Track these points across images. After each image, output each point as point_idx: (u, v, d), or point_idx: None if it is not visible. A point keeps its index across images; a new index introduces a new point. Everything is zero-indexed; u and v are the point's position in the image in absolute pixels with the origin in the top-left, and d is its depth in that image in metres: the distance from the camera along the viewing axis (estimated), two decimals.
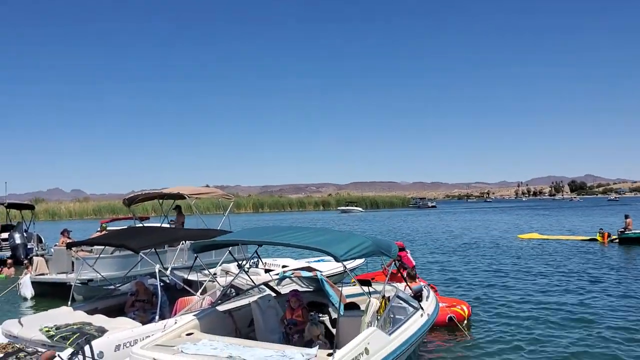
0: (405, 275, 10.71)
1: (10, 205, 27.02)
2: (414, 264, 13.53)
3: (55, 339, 7.39)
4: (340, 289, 8.53)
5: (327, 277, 9.05)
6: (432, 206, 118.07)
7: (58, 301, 12.45)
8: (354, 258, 7.23)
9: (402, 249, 12.68)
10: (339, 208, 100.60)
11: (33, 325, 7.96)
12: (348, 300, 8.29)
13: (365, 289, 7.95)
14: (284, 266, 15.07)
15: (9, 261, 20.42)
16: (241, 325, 8.12)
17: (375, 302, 7.26)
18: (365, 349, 6.22)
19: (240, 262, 9.95)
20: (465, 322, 10.74)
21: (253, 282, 9.22)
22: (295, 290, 8.32)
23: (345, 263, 7.29)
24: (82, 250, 14.47)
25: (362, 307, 7.56)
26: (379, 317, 7.08)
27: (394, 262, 8.95)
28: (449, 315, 10.46)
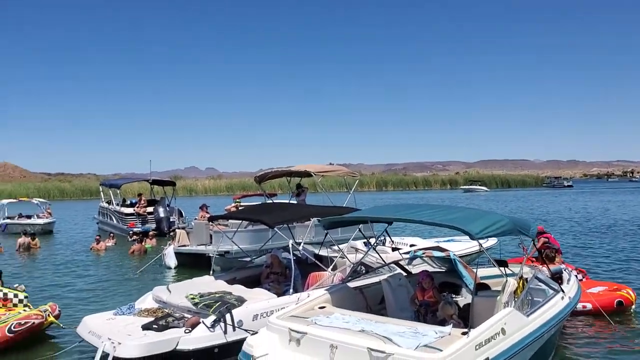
0: (544, 257, 10.15)
1: (154, 182, 29.34)
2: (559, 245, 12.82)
3: (200, 306, 7.88)
4: (474, 270, 8.26)
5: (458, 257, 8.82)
6: (569, 185, 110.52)
7: (198, 271, 13.32)
8: (490, 236, 6.97)
9: (541, 232, 12.03)
10: (461, 187, 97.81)
11: (180, 292, 8.56)
12: (481, 281, 8.02)
13: (502, 269, 7.62)
14: (411, 245, 14.93)
15: (151, 233, 22.20)
16: (372, 302, 8.16)
17: (512, 282, 6.94)
18: (502, 329, 5.99)
19: (369, 240, 9.94)
20: (633, 307, 9.98)
21: (383, 260, 9.21)
22: (427, 271, 8.18)
23: (480, 242, 7.02)
24: (219, 224, 15.30)
25: (497, 289, 7.27)
26: (516, 298, 6.77)
27: (532, 243, 8.48)
28: (617, 300, 9.77)
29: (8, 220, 28.40)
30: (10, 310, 9.55)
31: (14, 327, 8.35)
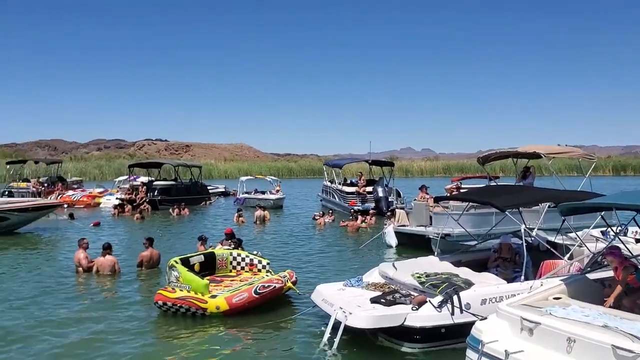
0: None
1: (373, 162, 30.28)
2: None
3: (426, 285, 7.92)
4: None
5: None
6: None
7: (417, 251, 13.40)
8: None
9: None
10: None
11: (405, 270, 8.70)
12: None
13: None
14: None
15: (371, 211, 22.92)
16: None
17: None
18: None
19: (611, 229, 9.00)
20: None
21: (630, 251, 8.25)
22: None
23: None
24: (438, 206, 15.19)
25: None
26: None
27: None
28: None
29: (246, 195, 31.71)
30: (255, 274, 10.72)
31: (259, 289, 9.31)
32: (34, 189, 32.49)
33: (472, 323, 6.51)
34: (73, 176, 47.06)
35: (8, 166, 42.28)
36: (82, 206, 30.46)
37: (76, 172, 56.86)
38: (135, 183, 31.14)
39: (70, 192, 33.10)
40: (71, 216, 23.54)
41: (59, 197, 29.99)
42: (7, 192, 32.29)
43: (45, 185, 34.34)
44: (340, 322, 7.50)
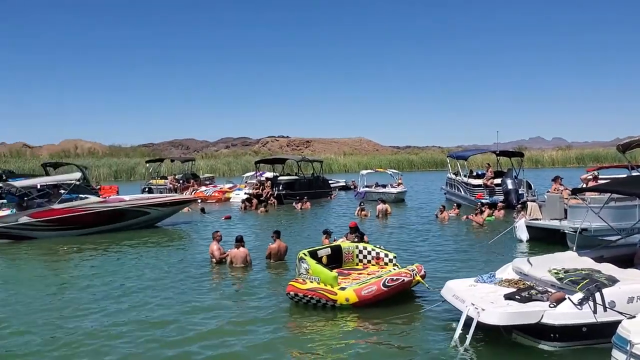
0: None
1: (501, 153, 29.12)
2: None
3: (565, 281, 7.49)
4: None
5: None
6: None
7: (551, 246, 12.71)
8: None
9: None
10: None
11: (541, 266, 8.29)
12: None
13: None
14: None
15: (500, 204, 22.02)
16: None
17: None
18: None
19: None
20: None
21: None
22: None
23: None
24: (575, 198, 14.26)
25: None
26: None
27: None
28: None
29: (366, 189, 31.84)
30: (382, 268, 10.75)
31: (387, 282, 9.32)
32: (170, 186, 34.99)
33: (617, 322, 6.11)
34: (205, 173, 50.04)
35: (147, 165, 45.81)
36: (213, 201, 32.26)
37: (207, 169, 60.40)
38: (261, 178, 32.44)
39: (203, 188, 35.20)
40: (202, 210, 24.94)
41: (193, 193, 32.02)
42: (147, 189, 35.06)
43: (181, 181, 36.83)
44: (472, 319, 7.33)
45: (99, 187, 33.66)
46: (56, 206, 18.26)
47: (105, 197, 22.20)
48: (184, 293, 10.67)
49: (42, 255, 15.72)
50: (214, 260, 13.23)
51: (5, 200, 21.57)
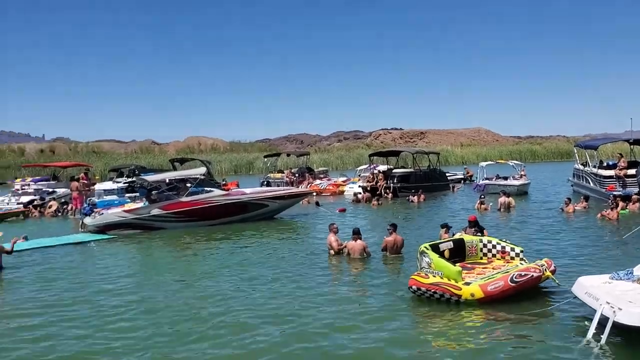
0: None
1: (634, 142, 27.13)
2: None
3: None
4: None
5: None
6: None
7: None
8: None
9: None
10: None
11: None
12: None
13: None
14: None
15: (634, 197, 20.26)
16: None
17: None
18: None
19: None
20: None
21: None
22: None
23: None
24: None
25: None
26: None
27: None
28: None
29: (487, 181, 30.65)
30: (508, 262, 10.26)
31: (515, 278, 8.90)
32: (287, 179, 35.91)
33: None
34: (319, 167, 50.85)
35: (265, 159, 47.40)
36: (328, 194, 32.69)
37: (321, 163, 61.30)
38: (374, 171, 32.34)
39: (317, 181, 35.77)
40: (317, 203, 25.29)
41: (308, 186, 32.63)
42: (265, 182, 36.24)
43: (297, 175, 37.65)
44: (608, 318, 6.83)
45: (224, 182, 35.20)
46: (184, 199, 19.35)
47: (228, 190, 23.19)
48: (302, 283, 10.86)
49: (172, 245, 16.71)
50: (331, 251, 13.35)
51: (138, 194, 23.26)
